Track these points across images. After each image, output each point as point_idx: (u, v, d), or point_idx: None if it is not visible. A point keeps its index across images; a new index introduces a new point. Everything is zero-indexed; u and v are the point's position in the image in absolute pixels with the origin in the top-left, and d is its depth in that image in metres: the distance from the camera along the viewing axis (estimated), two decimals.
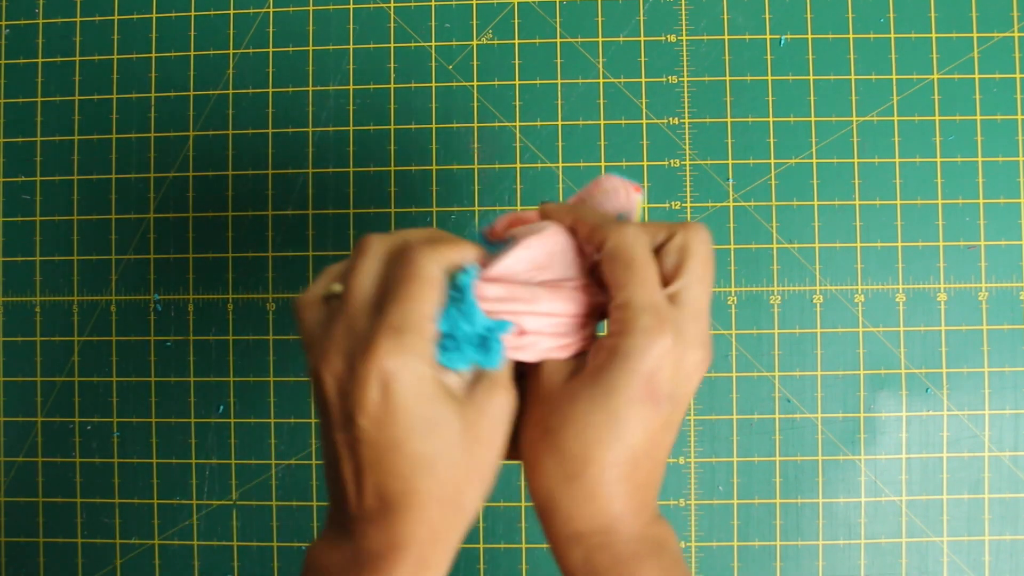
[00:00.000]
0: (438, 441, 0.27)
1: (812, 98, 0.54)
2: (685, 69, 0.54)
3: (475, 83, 0.55)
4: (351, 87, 0.55)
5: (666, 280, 0.29)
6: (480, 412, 0.28)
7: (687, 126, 0.54)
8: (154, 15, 0.56)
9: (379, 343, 0.26)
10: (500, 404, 0.29)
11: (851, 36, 0.54)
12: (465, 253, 0.29)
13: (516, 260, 0.30)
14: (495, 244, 0.32)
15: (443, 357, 0.28)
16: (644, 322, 0.28)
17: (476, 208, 0.54)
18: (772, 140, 0.54)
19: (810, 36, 0.54)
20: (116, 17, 0.56)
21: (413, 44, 0.55)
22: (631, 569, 0.28)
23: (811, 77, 0.54)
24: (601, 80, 0.54)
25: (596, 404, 0.28)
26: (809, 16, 0.54)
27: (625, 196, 0.34)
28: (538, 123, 0.54)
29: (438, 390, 0.28)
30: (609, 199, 0.34)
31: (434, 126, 0.54)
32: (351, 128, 0.55)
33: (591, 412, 0.28)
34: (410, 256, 0.28)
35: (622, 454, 0.28)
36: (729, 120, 0.54)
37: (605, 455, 0.28)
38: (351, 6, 0.55)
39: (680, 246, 0.30)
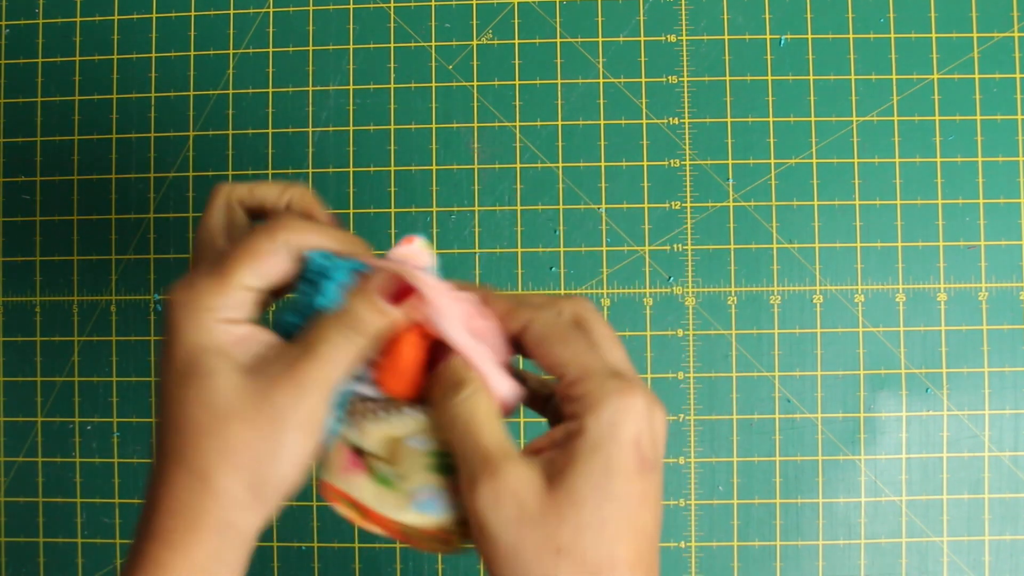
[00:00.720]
0: (191, 390, 0.27)
1: (812, 98, 0.54)
2: (685, 69, 0.54)
3: (475, 83, 0.55)
4: (351, 87, 0.55)
5: None
6: (275, 377, 0.27)
7: (687, 126, 0.54)
8: (154, 15, 0.56)
9: (176, 287, 0.28)
10: (302, 381, 0.27)
11: (851, 36, 0.54)
12: (322, 239, 0.29)
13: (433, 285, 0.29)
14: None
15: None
16: (611, 386, 0.25)
17: (476, 208, 0.54)
18: (772, 140, 0.54)
19: (810, 36, 0.54)
20: (116, 17, 0.56)
21: (413, 44, 0.55)
22: None
23: (811, 77, 0.54)
24: (601, 80, 0.54)
25: (603, 497, 0.25)
26: (809, 16, 0.54)
27: (412, 254, 0.30)
28: (538, 123, 0.54)
29: (212, 342, 0.27)
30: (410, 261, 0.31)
31: (434, 126, 0.55)
32: (351, 128, 0.55)
33: (602, 508, 0.25)
34: (266, 226, 0.29)
35: (642, 543, 0.26)
36: (729, 120, 0.54)
37: (629, 551, 0.25)
38: (351, 6, 0.55)
39: (576, 318, 0.29)
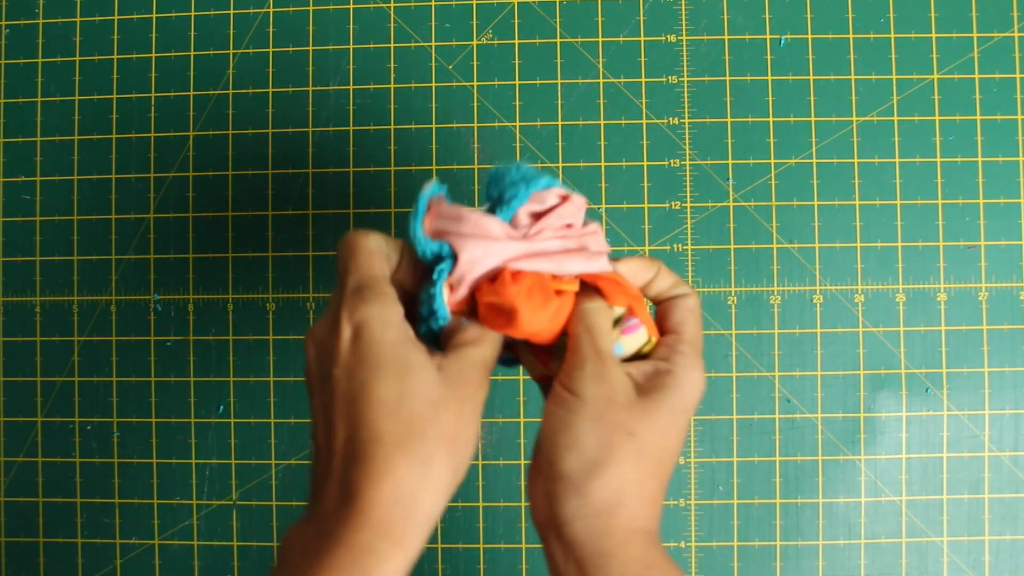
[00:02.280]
0: (406, 383, 0.30)
1: (812, 98, 0.54)
2: (685, 69, 0.54)
3: (475, 83, 0.55)
4: (351, 87, 0.55)
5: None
6: (466, 379, 0.32)
7: (687, 126, 0.54)
8: (154, 15, 0.56)
9: (345, 302, 0.31)
10: (472, 356, 0.33)
11: (851, 36, 0.54)
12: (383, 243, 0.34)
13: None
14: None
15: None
16: (699, 362, 0.35)
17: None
18: (772, 140, 0.54)
19: (810, 36, 0.54)
20: (116, 17, 0.56)
21: (413, 44, 0.55)
22: (630, 539, 0.32)
23: (811, 77, 0.54)
24: (601, 80, 0.54)
25: (671, 419, 0.33)
26: (809, 16, 0.54)
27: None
28: (538, 123, 0.54)
29: (406, 336, 0.31)
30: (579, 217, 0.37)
31: (434, 126, 0.55)
32: (351, 128, 0.55)
33: (669, 424, 0.33)
34: (346, 238, 0.34)
35: (673, 461, 0.34)
36: (729, 120, 0.54)
37: (672, 460, 0.34)
38: (351, 6, 0.55)
39: (693, 307, 0.37)
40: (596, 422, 0.32)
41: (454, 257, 0.34)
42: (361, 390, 0.30)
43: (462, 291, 0.34)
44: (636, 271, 0.37)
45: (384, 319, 0.31)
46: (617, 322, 0.36)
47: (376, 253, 0.33)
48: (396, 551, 0.28)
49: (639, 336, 0.37)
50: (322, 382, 0.31)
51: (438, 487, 0.30)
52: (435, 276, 0.34)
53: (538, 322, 0.34)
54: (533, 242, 0.35)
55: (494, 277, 0.34)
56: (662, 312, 0.37)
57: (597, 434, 0.32)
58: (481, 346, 0.33)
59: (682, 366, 0.34)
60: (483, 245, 0.34)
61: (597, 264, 0.36)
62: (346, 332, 0.31)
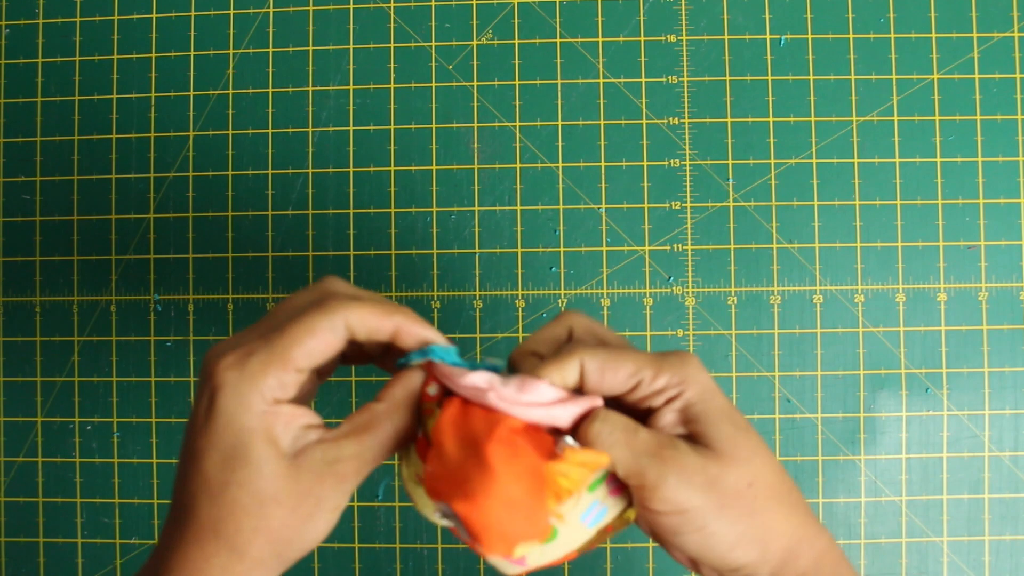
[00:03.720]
0: (236, 471, 0.28)
1: (812, 98, 0.54)
2: (685, 69, 0.54)
3: (475, 83, 0.55)
4: (351, 87, 0.55)
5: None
6: (320, 474, 0.29)
7: (687, 126, 0.54)
8: (154, 15, 0.56)
9: (235, 350, 0.28)
10: (344, 452, 0.29)
11: (851, 36, 0.54)
12: (372, 315, 0.30)
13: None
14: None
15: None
16: (672, 363, 0.31)
17: (476, 208, 0.54)
18: (772, 140, 0.54)
19: (810, 36, 0.54)
20: (116, 17, 0.56)
21: (413, 44, 0.55)
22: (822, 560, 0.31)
23: (811, 77, 0.54)
24: (601, 80, 0.54)
25: (738, 436, 0.31)
26: (809, 16, 0.54)
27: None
28: (538, 123, 0.54)
29: (260, 425, 0.28)
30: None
31: (434, 126, 0.54)
32: (351, 128, 0.55)
33: (744, 443, 0.30)
34: (319, 284, 0.31)
35: (787, 474, 0.33)
36: (729, 120, 0.54)
37: (785, 475, 0.32)
38: (351, 6, 0.55)
39: (579, 327, 0.33)
40: (716, 510, 0.29)
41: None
42: (193, 460, 0.29)
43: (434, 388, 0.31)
44: (571, 367, 0.31)
45: (240, 398, 0.28)
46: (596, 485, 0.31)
47: (316, 334, 0.29)
48: None
49: (624, 498, 0.32)
50: (188, 422, 0.30)
51: (254, 568, 0.29)
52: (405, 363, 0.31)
53: (509, 488, 0.28)
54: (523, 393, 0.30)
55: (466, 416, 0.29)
56: (593, 387, 0.31)
57: (726, 515, 0.29)
58: (360, 439, 0.30)
59: (691, 380, 0.31)
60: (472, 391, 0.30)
61: (588, 402, 0.31)
62: (204, 394, 0.29)
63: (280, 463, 0.28)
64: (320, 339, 0.29)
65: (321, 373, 0.32)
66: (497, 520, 0.28)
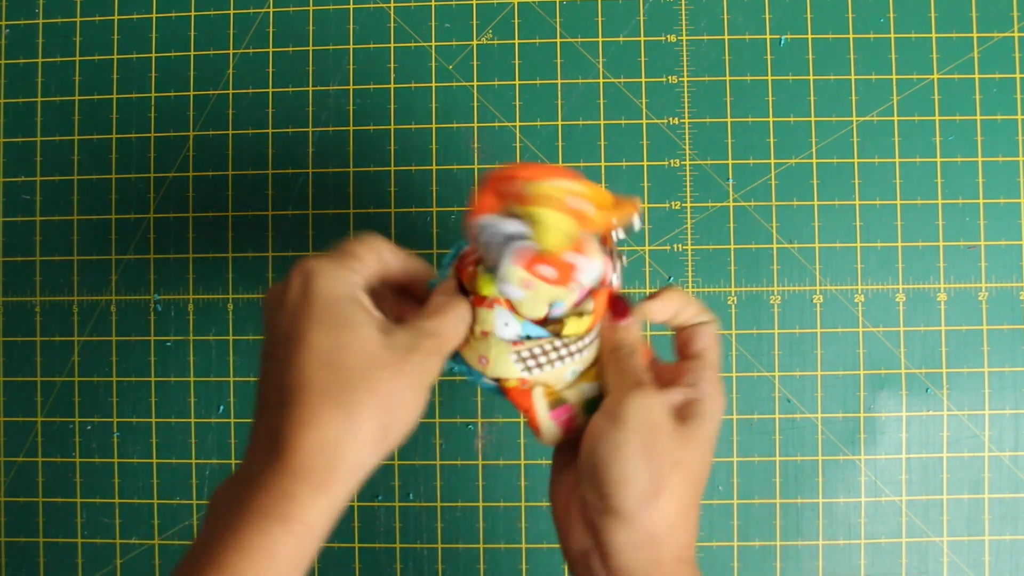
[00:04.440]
0: (342, 335, 0.30)
1: (812, 98, 0.54)
2: (685, 69, 0.54)
3: (475, 83, 0.55)
4: (351, 87, 0.55)
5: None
6: (412, 345, 0.31)
7: (687, 126, 0.54)
8: (154, 15, 0.56)
9: (309, 258, 0.32)
10: (425, 327, 0.32)
11: (851, 36, 0.54)
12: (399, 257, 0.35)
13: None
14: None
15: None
16: (720, 392, 0.36)
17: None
18: (772, 140, 0.54)
19: (810, 36, 0.54)
20: (116, 17, 0.56)
21: (413, 44, 0.55)
22: (677, 568, 0.33)
23: (811, 77, 0.54)
24: (601, 80, 0.54)
25: (706, 446, 0.34)
26: (809, 16, 0.54)
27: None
28: (538, 123, 0.54)
29: (353, 294, 0.31)
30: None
31: (434, 126, 0.54)
32: (351, 128, 0.55)
33: (704, 450, 0.34)
34: (367, 234, 0.35)
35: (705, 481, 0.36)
36: (729, 120, 0.54)
37: (705, 479, 0.35)
38: (351, 6, 0.55)
39: (715, 334, 0.37)
40: (645, 453, 0.32)
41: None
42: (298, 337, 0.30)
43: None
44: (669, 302, 0.37)
45: (334, 274, 0.31)
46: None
47: (373, 247, 0.34)
48: (317, 497, 0.28)
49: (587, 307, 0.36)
50: (267, 330, 0.32)
51: (365, 440, 0.29)
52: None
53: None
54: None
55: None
56: (684, 338, 0.37)
57: (648, 465, 0.32)
58: (439, 318, 0.33)
59: (710, 394, 0.35)
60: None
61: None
62: (296, 280, 0.31)
63: (376, 329, 0.31)
64: (373, 251, 0.34)
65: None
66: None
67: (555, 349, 0.36)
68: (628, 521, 0.32)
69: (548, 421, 0.38)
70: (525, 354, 0.36)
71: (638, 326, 0.37)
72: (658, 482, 0.32)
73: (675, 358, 0.38)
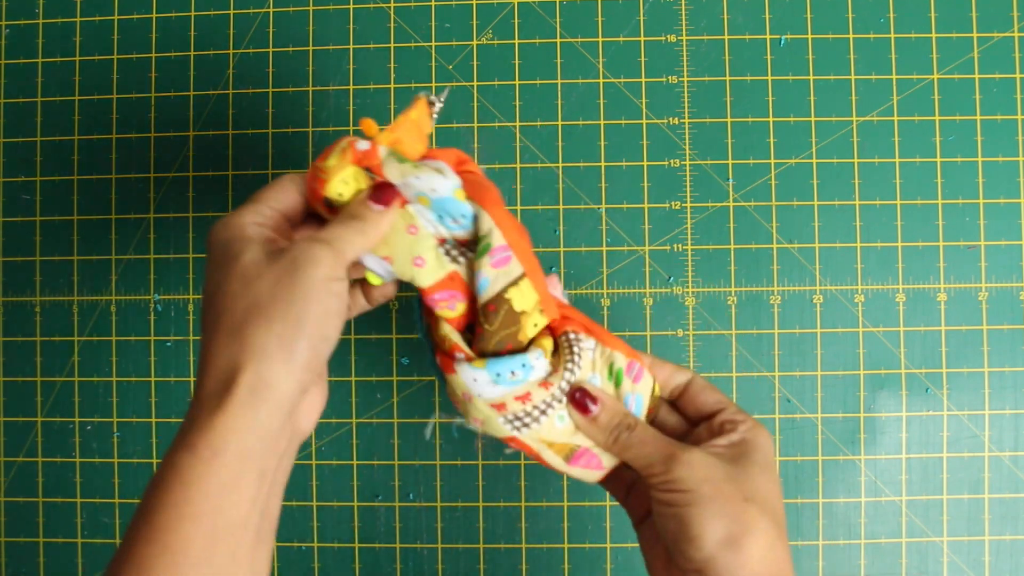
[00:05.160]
0: (228, 271, 0.33)
1: (812, 98, 0.54)
2: (685, 69, 0.54)
3: (475, 83, 0.55)
4: (351, 87, 0.55)
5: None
6: (293, 257, 0.33)
7: (687, 126, 0.54)
8: (154, 15, 0.56)
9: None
10: (315, 237, 0.34)
11: (851, 36, 0.54)
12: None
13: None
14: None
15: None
16: (754, 422, 0.39)
17: None
18: (772, 140, 0.54)
19: (810, 36, 0.54)
20: (116, 17, 0.56)
21: (413, 44, 0.55)
22: None
23: (811, 77, 0.54)
24: (601, 80, 0.54)
25: (767, 474, 0.36)
26: (809, 16, 0.54)
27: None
28: (538, 123, 0.54)
29: (242, 235, 0.34)
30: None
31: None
32: (351, 128, 0.55)
33: (767, 478, 0.36)
34: (284, 175, 0.37)
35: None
36: (729, 120, 0.54)
37: (780, 505, 0.37)
38: (351, 6, 0.55)
39: (705, 382, 0.41)
40: (712, 504, 0.34)
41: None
42: (205, 282, 0.34)
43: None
44: (671, 375, 0.41)
45: (223, 223, 0.35)
46: (613, 372, 0.39)
47: (281, 186, 0.37)
48: (215, 419, 0.31)
49: (647, 381, 0.39)
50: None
51: (258, 358, 0.31)
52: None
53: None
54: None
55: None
56: (688, 399, 0.40)
57: (722, 512, 0.34)
58: (329, 227, 0.35)
59: (750, 429, 0.38)
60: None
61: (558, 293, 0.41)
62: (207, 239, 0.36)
63: (259, 250, 0.33)
64: (283, 192, 0.36)
65: (293, 220, 0.37)
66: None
67: (536, 407, 0.38)
68: (722, 570, 0.34)
69: (576, 471, 0.39)
70: (510, 416, 0.37)
71: (612, 407, 0.38)
72: (738, 527, 0.34)
73: (685, 422, 0.41)
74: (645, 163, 0.54)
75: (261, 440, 0.31)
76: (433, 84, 0.55)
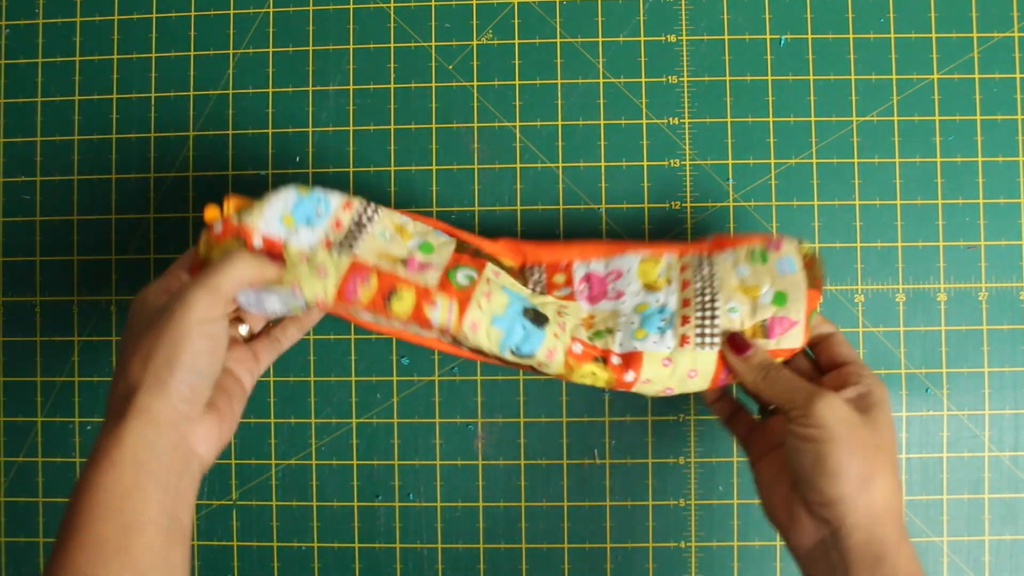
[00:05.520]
0: (130, 319, 0.40)
1: (812, 98, 0.54)
2: (685, 69, 0.54)
3: (475, 83, 0.55)
4: (351, 87, 0.55)
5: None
6: (169, 309, 0.38)
7: (687, 126, 0.54)
8: (154, 15, 0.56)
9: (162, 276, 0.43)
10: (190, 296, 0.39)
11: (851, 36, 0.54)
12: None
13: None
14: None
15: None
16: (878, 379, 0.42)
17: (476, 208, 0.54)
18: (772, 140, 0.54)
19: (810, 36, 0.54)
20: (116, 17, 0.56)
21: (413, 44, 0.55)
22: (900, 545, 0.38)
23: (811, 77, 0.54)
24: (601, 80, 0.54)
25: (890, 425, 0.41)
26: (809, 16, 0.54)
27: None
28: (538, 123, 0.54)
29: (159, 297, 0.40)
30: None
31: (434, 126, 0.55)
32: (351, 128, 0.55)
33: (891, 430, 0.40)
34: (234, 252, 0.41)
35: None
36: (729, 120, 0.54)
37: (897, 465, 0.41)
38: (351, 6, 0.55)
39: (843, 337, 0.45)
40: (849, 446, 0.38)
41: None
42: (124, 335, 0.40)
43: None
44: (817, 325, 0.45)
45: (157, 290, 0.41)
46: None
47: (239, 265, 0.40)
48: (152, 399, 0.37)
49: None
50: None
51: (137, 380, 0.37)
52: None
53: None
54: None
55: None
56: (824, 348, 0.44)
57: (855, 456, 0.38)
58: (208, 272, 0.40)
59: (875, 383, 0.41)
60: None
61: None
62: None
63: (150, 309, 0.40)
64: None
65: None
66: None
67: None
68: (852, 507, 0.38)
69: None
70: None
71: (763, 350, 0.43)
72: (869, 469, 0.38)
73: (820, 372, 0.44)
74: (645, 163, 0.54)
75: (154, 455, 0.36)
76: (433, 84, 0.55)
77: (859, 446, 0.38)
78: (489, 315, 0.44)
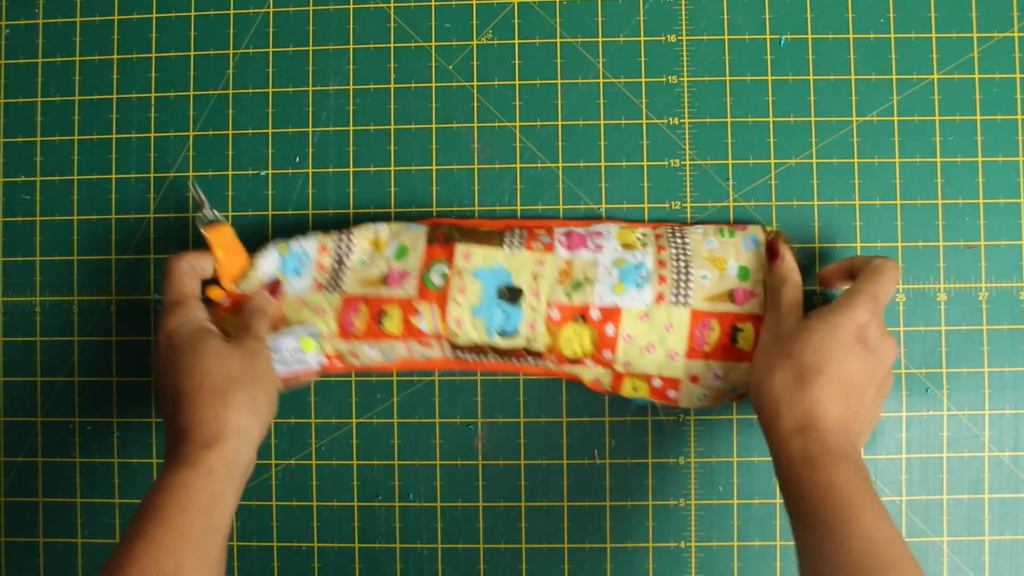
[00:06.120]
0: (197, 354, 0.44)
1: (812, 98, 0.54)
2: (685, 69, 0.54)
3: (475, 83, 0.55)
4: (351, 87, 0.55)
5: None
6: (239, 343, 0.46)
7: (687, 126, 0.54)
8: (154, 15, 0.56)
9: (162, 317, 0.47)
10: (252, 345, 0.47)
11: (851, 36, 0.54)
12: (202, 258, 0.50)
13: None
14: None
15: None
16: (864, 299, 0.44)
17: (476, 208, 0.54)
18: (772, 140, 0.54)
19: (810, 36, 0.54)
20: (116, 17, 0.56)
21: (413, 44, 0.55)
22: (835, 459, 0.40)
23: (811, 77, 0.54)
24: (601, 80, 0.54)
25: (828, 334, 0.43)
26: (809, 16, 0.54)
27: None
28: (538, 123, 0.54)
29: (199, 329, 0.46)
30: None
31: (434, 126, 0.55)
32: (351, 128, 0.55)
33: (825, 338, 0.43)
34: (164, 263, 0.49)
35: (841, 374, 0.42)
36: (729, 120, 0.54)
37: (832, 368, 0.42)
38: (351, 6, 0.55)
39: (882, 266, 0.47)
40: (768, 354, 0.45)
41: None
42: (173, 367, 0.45)
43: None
44: (865, 263, 0.48)
45: (183, 323, 0.46)
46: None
47: (185, 274, 0.48)
48: (210, 451, 0.42)
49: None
50: (157, 377, 0.46)
51: (240, 406, 0.43)
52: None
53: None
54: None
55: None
56: (834, 276, 0.49)
57: (766, 361, 0.45)
58: (252, 320, 0.48)
59: (854, 297, 0.44)
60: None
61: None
62: (162, 339, 0.46)
63: (219, 341, 0.46)
64: (188, 278, 0.49)
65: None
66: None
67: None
68: (789, 401, 0.43)
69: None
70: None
71: (789, 262, 0.48)
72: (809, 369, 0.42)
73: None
74: (645, 163, 0.54)
75: (240, 468, 0.42)
76: (433, 84, 0.55)
77: (771, 354, 0.44)
78: (468, 307, 0.48)
